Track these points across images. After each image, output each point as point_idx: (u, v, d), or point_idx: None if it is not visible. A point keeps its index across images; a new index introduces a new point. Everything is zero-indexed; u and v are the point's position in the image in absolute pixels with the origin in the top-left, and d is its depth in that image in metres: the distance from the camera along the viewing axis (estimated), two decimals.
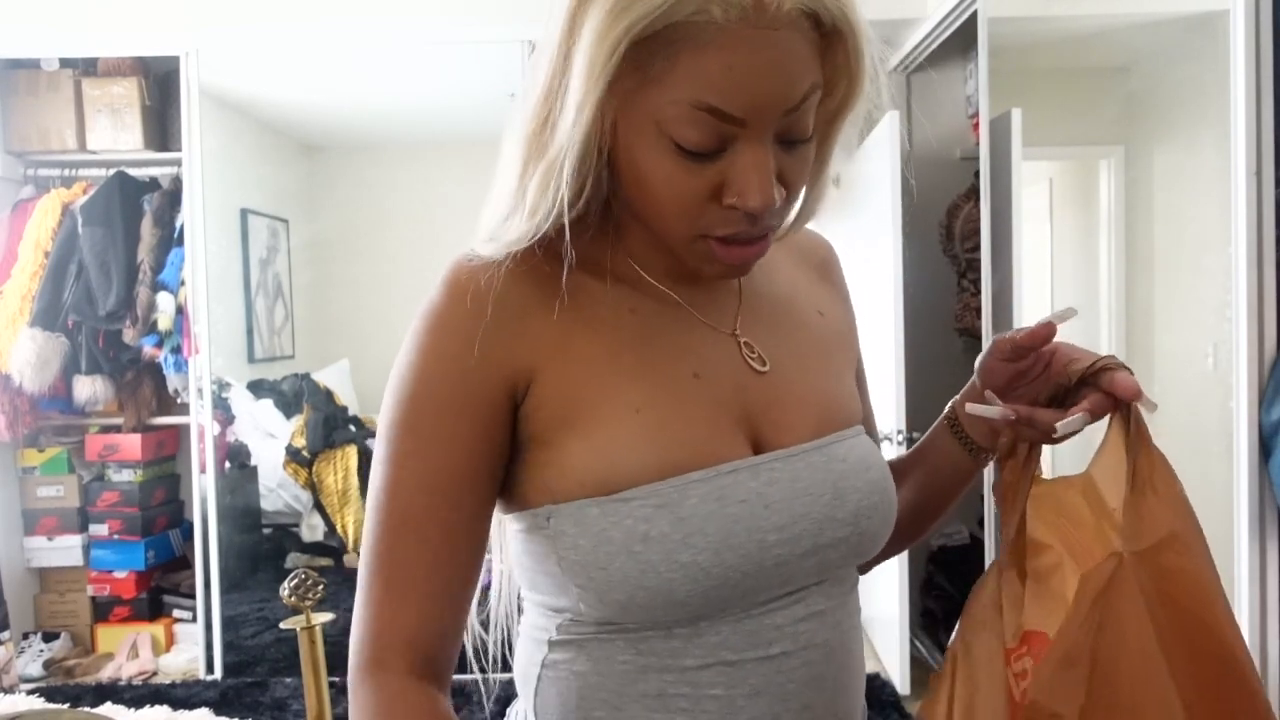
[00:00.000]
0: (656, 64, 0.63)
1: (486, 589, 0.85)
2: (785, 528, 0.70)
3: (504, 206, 0.71)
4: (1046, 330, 0.76)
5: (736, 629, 0.70)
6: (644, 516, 0.67)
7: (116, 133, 3.50)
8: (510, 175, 0.71)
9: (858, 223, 3.61)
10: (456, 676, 0.73)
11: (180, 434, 3.69)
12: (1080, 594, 0.69)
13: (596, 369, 0.71)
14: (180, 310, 3.38)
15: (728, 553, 0.68)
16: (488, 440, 0.70)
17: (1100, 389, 0.75)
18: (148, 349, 3.42)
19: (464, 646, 0.76)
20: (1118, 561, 0.70)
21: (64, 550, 3.53)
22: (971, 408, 0.80)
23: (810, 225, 0.81)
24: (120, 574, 3.52)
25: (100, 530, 3.52)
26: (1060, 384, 0.77)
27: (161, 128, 3.58)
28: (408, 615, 0.70)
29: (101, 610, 3.57)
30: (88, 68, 3.53)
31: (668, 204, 0.67)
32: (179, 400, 3.52)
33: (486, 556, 0.76)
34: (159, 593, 3.62)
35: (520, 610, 0.80)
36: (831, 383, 0.80)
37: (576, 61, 0.64)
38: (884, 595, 3.22)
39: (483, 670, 0.73)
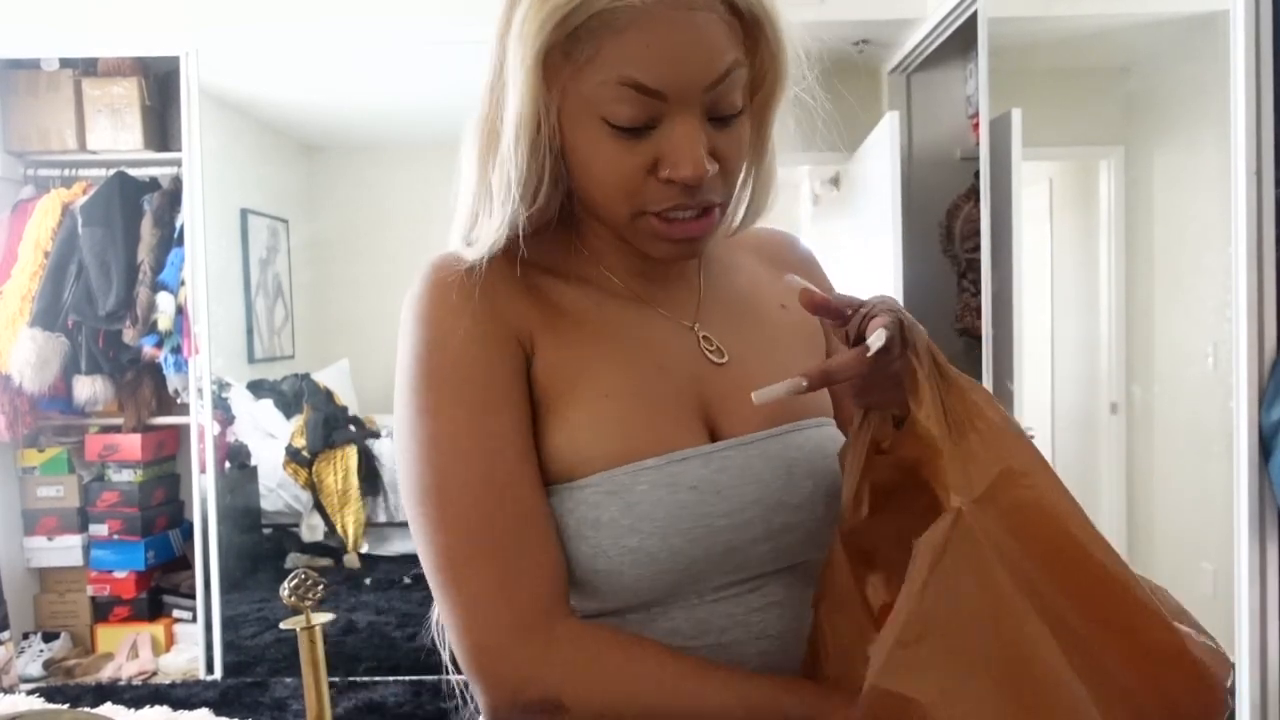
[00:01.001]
0: (585, 51, 0.67)
1: None
2: (734, 513, 0.72)
3: (471, 203, 0.75)
4: (807, 299, 0.70)
5: (689, 616, 0.72)
6: (595, 503, 0.70)
7: (116, 133, 3.50)
8: (471, 171, 0.75)
9: (858, 222, 3.62)
10: (445, 677, 0.74)
11: (180, 434, 3.69)
12: (915, 563, 0.63)
13: (578, 351, 0.74)
14: (180, 310, 3.38)
15: (675, 537, 0.70)
16: (522, 395, 0.72)
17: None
18: (148, 349, 3.42)
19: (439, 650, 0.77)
20: (954, 517, 0.63)
21: (64, 550, 3.53)
22: (755, 395, 0.69)
23: (812, 224, 0.81)
24: (120, 574, 3.52)
25: (100, 530, 3.51)
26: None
27: (161, 128, 3.58)
28: (542, 568, 0.69)
29: (101, 610, 3.57)
30: (88, 68, 3.53)
31: (607, 184, 0.70)
32: (179, 400, 3.51)
33: None
34: (159, 593, 3.62)
35: None
36: (788, 375, 0.78)
37: (510, 51, 0.69)
38: None
39: (459, 670, 0.72)
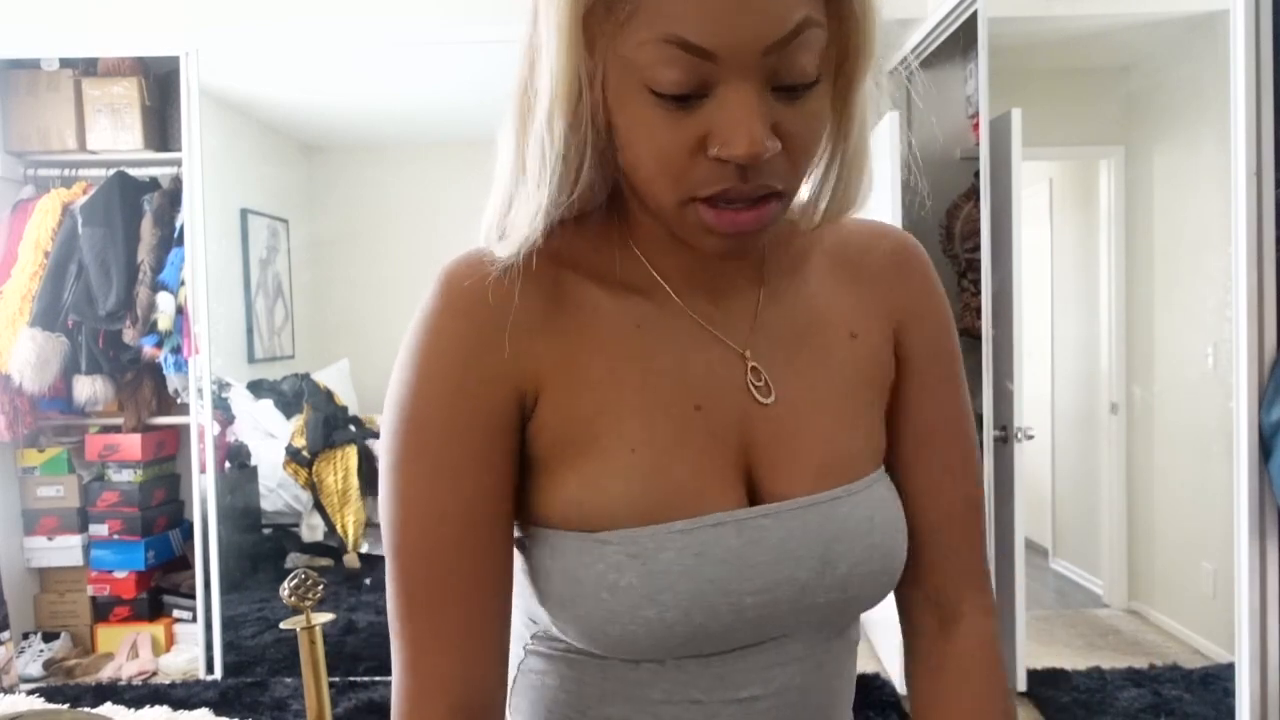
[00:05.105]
0: (626, 5, 0.57)
1: None
2: (765, 591, 0.65)
3: (506, 191, 0.67)
4: None
5: (705, 670, 0.67)
6: (615, 564, 0.63)
7: (116, 133, 3.50)
8: (508, 148, 0.67)
9: None
10: None
11: (180, 434, 3.69)
12: None
13: (598, 397, 0.66)
14: (180, 310, 3.38)
15: (697, 613, 0.64)
16: (501, 458, 0.65)
17: None
18: (148, 349, 3.42)
19: None
20: None
21: (64, 550, 3.53)
22: None
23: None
24: (120, 574, 3.52)
25: (100, 530, 3.52)
26: None
27: (161, 128, 3.58)
28: (447, 661, 0.65)
29: (101, 610, 3.57)
30: (88, 68, 3.53)
31: (652, 162, 0.60)
32: (179, 400, 3.52)
33: None
34: (159, 593, 3.62)
35: None
36: (845, 424, 0.71)
37: (542, 8, 0.60)
38: None
39: None
